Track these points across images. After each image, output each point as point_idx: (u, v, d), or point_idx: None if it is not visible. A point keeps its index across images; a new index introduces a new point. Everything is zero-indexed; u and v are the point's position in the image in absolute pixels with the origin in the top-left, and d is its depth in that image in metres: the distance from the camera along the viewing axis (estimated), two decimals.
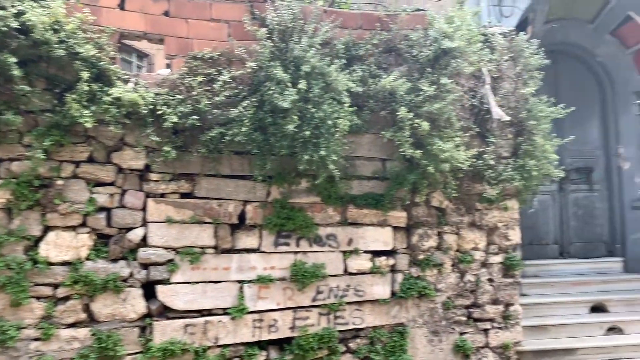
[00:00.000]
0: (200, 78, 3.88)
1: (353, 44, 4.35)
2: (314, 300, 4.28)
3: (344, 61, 4.14)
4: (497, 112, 4.52)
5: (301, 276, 4.19)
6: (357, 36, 4.40)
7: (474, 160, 4.50)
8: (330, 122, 3.84)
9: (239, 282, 4.13)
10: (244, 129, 3.77)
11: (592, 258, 7.13)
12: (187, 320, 3.98)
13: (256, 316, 4.14)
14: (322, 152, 3.82)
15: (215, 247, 4.10)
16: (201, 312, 4.04)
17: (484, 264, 4.73)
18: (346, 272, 4.40)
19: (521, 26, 6.02)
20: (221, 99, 3.84)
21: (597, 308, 6.26)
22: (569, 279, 6.68)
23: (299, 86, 3.72)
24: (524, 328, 5.10)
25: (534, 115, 4.78)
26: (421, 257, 4.55)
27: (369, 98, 4.25)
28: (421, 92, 4.09)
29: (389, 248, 4.51)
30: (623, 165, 7.17)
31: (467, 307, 4.66)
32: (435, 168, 4.14)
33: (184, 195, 4.08)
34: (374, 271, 4.43)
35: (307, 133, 3.78)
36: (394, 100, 4.18)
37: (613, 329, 5.92)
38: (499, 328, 4.71)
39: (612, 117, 7.29)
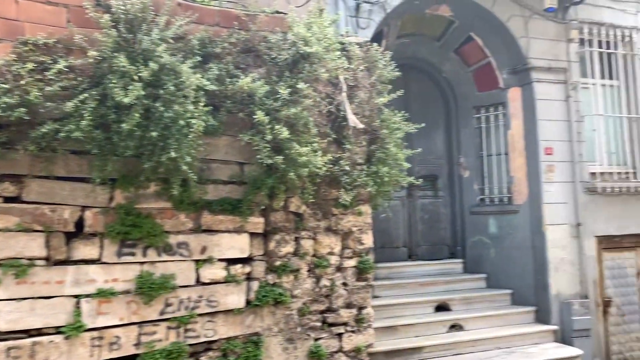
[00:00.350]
0: (30, 66, 3.41)
1: (209, 41, 4.15)
2: (162, 313, 3.97)
3: (199, 58, 3.92)
4: (353, 120, 4.61)
5: (148, 288, 3.86)
6: (214, 33, 4.20)
7: (331, 166, 4.54)
8: (182, 122, 3.59)
9: (76, 296, 3.69)
10: (82, 123, 3.37)
11: (437, 260, 7.65)
12: (10, 343, 3.46)
13: (95, 334, 3.73)
14: (173, 154, 3.56)
15: (46, 259, 3.63)
16: (29, 333, 3.55)
17: (339, 268, 4.77)
18: (199, 282, 4.16)
19: (376, 39, 6.26)
20: (55, 89, 3.40)
21: (441, 307, 6.71)
22: (418, 280, 7.08)
23: (142, 74, 3.41)
24: (376, 329, 5.25)
25: (387, 125, 4.95)
26: (278, 263, 4.46)
27: (226, 98, 4.07)
28: (279, 96, 4.02)
29: (245, 255, 4.36)
30: (463, 174, 7.80)
31: (322, 312, 4.65)
32: (294, 173, 4.09)
33: (9, 200, 3.56)
34: (229, 280, 4.24)
35: (154, 134, 3.50)
36: (252, 102, 4.05)
37: (455, 326, 6.38)
38: (352, 332, 4.77)
39: (454, 129, 7.91)
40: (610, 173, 7.16)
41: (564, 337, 6.57)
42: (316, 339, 4.60)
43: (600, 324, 6.92)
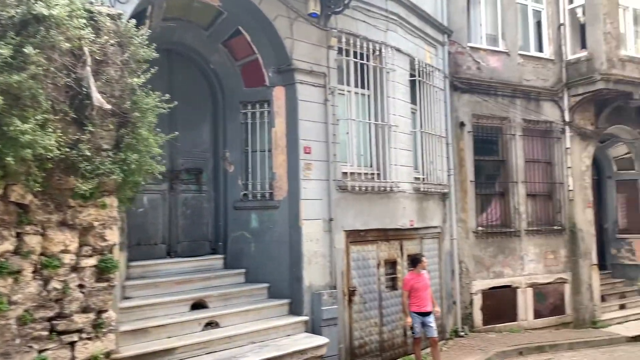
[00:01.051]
0: None
1: None
2: None
3: None
4: (98, 99, 4.08)
5: None
6: None
7: (68, 149, 3.93)
8: None
9: None
10: None
11: (197, 256, 7.40)
12: None
13: None
14: None
15: None
16: None
17: (75, 269, 4.17)
18: None
19: (139, 17, 5.73)
20: None
21: (198, 305, 6.48)
22: (175, 278, 6.73)
23: None
24: (125, 333, 4.78)
25: (140, 108, 4.51)
26: None
27: None
28: None
29: None
30: (229, 169, 7.70)
31: (50, 319, 4.00)
32: (13, 154, 3.40)
33: None
34: None
35: None
36: None
37: (211, 324, 6.22)
38: (89, 338, 4.21)
39: (221, 123, 7.76)
40: (359, 173, 7.82)
41: (314, 327, 6.92)
42: (41, 351, 3.93)
43: (346, 312, 7.49)
